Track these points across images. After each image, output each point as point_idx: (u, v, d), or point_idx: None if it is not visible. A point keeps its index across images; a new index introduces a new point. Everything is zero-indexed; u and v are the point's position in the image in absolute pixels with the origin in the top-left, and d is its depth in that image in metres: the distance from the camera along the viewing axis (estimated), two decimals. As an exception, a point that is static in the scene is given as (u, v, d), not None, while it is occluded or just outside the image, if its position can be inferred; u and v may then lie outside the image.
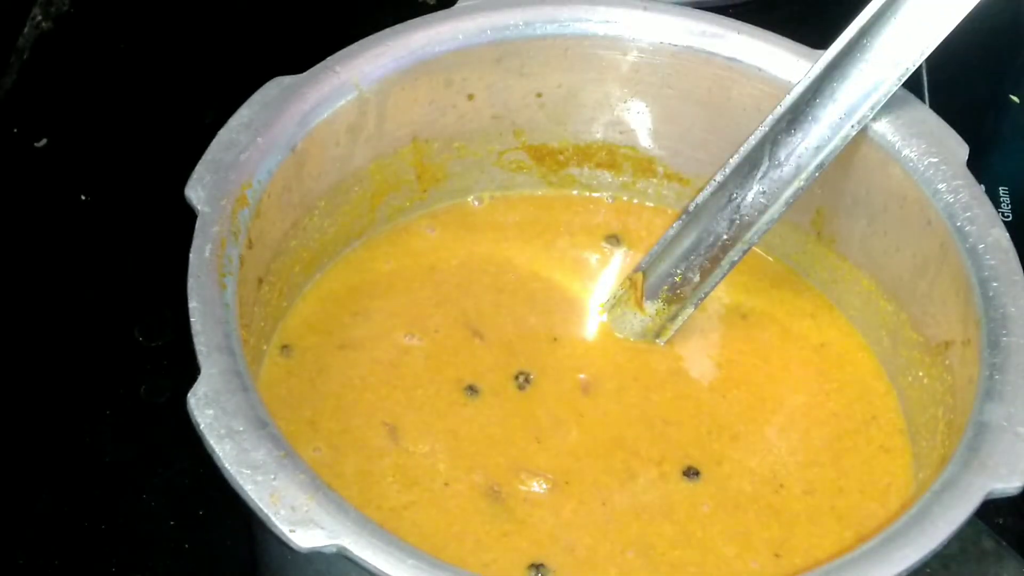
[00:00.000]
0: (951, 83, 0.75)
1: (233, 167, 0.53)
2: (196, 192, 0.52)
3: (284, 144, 0.55)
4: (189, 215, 0.51)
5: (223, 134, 0.54)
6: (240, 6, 0.84)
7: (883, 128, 0.57)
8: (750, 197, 0.58)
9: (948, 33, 0.54)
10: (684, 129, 0.63)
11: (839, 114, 0.56)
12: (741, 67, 0.60)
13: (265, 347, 0.57)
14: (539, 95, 0.62)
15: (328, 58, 0.57)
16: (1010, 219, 0.71)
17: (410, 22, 0.59)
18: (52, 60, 0.80)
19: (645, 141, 0.64)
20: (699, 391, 0.59)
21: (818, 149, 0.57)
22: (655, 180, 0.65)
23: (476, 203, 0.64)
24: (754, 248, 0.62)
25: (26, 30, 0.81)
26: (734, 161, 0.57)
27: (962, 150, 0.57)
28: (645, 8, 0.61)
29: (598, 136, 0.64)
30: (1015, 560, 0.52)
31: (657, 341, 0.60)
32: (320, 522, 0.44)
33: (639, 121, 0.63)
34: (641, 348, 0.60)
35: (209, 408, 0.46)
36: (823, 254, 0.62)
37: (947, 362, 0.55)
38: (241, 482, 0.44)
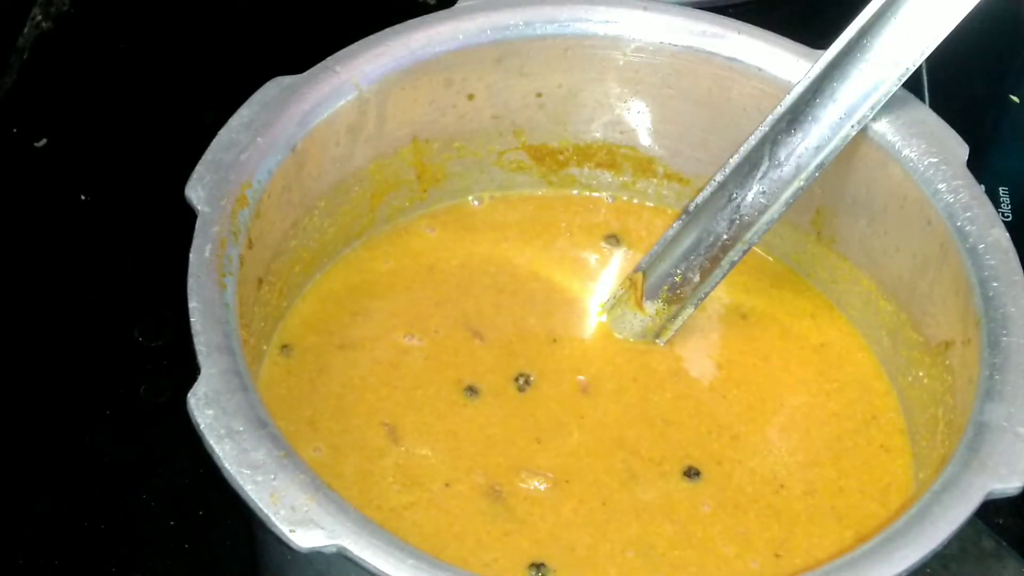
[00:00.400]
0: (951, 83, 0.75)
1: (233, 167, 0.53)
2: (196, 192, 0.52)
3: (284, 144, 0.55)
4: (189, 215, 0.51)
5: (223, 134, 0.54)
6: (240, 6, 0.84)
7: (883, 128, 0.57)
8: (750, 197, 0.58)
9: (948, 33, 0.54)
10: (684, 129, 0.63)
11: (839, 114, 0.56)
12: (741, 67, 0.60)
13: (265, 347, 0.57)
14: (539, 95, 0.62)
15: (328, 58, 0.57)
16: (1010, 219, 0.71)
17: (410, 22, 0.59)
18: (52, 60, 0.80)
19: (645, 141, 0.64)
20: (699, 391, 0.59)
21: (818, 149, 0.57)
22: (655, 180, 0.65)
23: (476, 203, 0.65)
24: (754, 248, 0.62)
25: (26, 30, 0.81)
26: (734, 161, 0.57)
27: (962, 150, 0.57)
28: (645, 8, 0.61)
29: (598, 136, 0.64)
30: (1015, 560, 0.52)
31: (657, 341, 0.60)
32: (320, 522, 0.44)
33: (639, 121, 0.63)
34: (641, 348, 0.60)
35: (209, 408, 0.46)
36: (823, 254, 0.62)
37: (947, 362, 0.55)
38: (241, 482, 0.44)
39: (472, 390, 0.58)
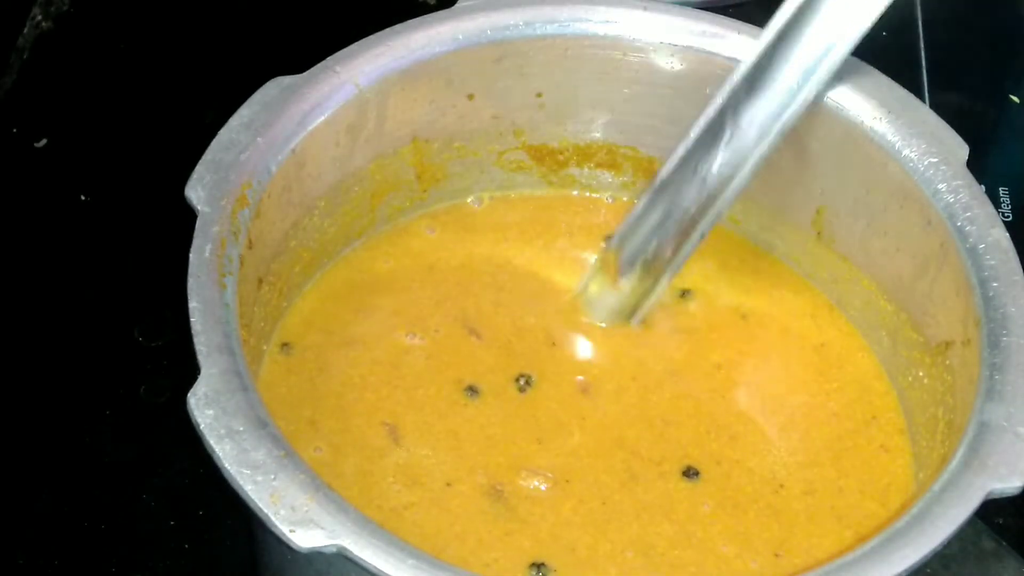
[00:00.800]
0: (951, 83, 0.75)
1: (233, 167, 0.53)
2: (196, 192, 0.52)
3: (284, 144, 0.55)
4: (189, 215, 0.51)
5: (223, 134, 0.54)
6: (240, 6, 0.84)
7: (883, 128, 0.57)
8: (715, 167, 0.57)
9: None
10: (684, 129, 0.63)
11: (796, 77, 0.56)
12: (741, 67, 0.60)
13: (265, 347, 0.57)
14: (539, 95, 0.62)
15: (328, 58, 0.57)
16: (1010, 219, 0.71)
17: (410, 22, 0.59)
18: (52, 60, 0.80)
19: (645, 141, 0.64)
20: (699, 391, 0.59)
21: (779, 114, 0.56)
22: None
23: (476, 203, 0.64)
24: (754, 248, 0.63)
25: (26, 30, 0.81)
26: (695, 132, 0.57)
27: (962, 150, 0.57)
28: (645, 8, 0.61)
29: (598, 136, 0.64)
30: (1015, 560, 0.52)
31: (631, 322, 0.60)
32: (320, 522, 0.44)
33: (639, 121, 0.63)
34: (641, 348, 0.60)
35: (209, 408, 0.46)
36: (823, 254, 0.62)
37: (947, 362, 0.55)
38: (241, 482, 0.44)
39: (473, 390, 0.58)
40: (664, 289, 0.59)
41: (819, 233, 0.62)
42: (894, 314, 0.59)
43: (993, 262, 0.53)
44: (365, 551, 0.43)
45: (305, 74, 0.57)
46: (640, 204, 0.59)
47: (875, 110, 0.58)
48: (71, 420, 0.65)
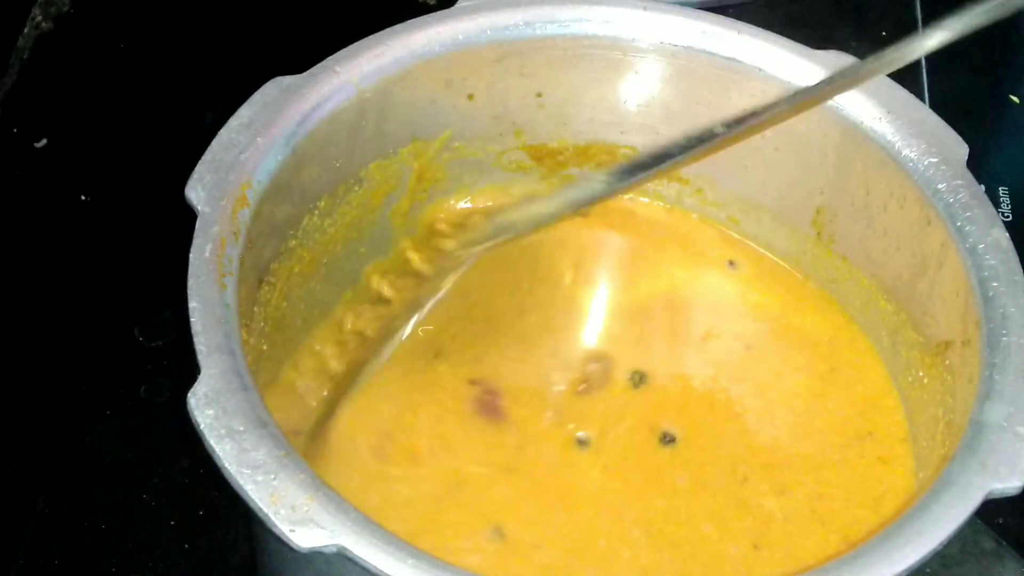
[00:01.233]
0: (951, 83, 0.75)
1: (233, 167, 0.53)
2: (196, 192, 0.52)
3: (284, 144, 0.55)
4: (189, 215, 0.51)
5: (223, 134, 0.54)
6: (240, 6, 0.84)
7: (883, 128, 0.57)
8: None
9: None
10: (684, 129, 0.63)
11: None
12: (741, 67, 0.60)
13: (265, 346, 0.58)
14: (539, 95, 0.62)
15: (328, 58, 0.57)
16: (1010, 219, 0.71)
17: (410, 22, 0.59)
18: (52, 60, 0.80)
19: (645, 141, 0.64)
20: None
21: None
22: (655, 180, 0.65)
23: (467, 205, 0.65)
24: (754, 247, 0.63)
25: (26, 30, 0.81)
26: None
27: (962, 150, 0.57)
28: (645, 8, 0.61)
29: (598, 136, 0.64)
30: (1015, 560, 0.52)
31: None
32: (320, 521, 0.44)
33: (639, 121, 0.63)
34: (640, 347, 0.60)
35: (209, 408, 0.46)
36: (823, 254, 0.62)
37: (947, 362, 0.55)
38: (241, 482, 0.44)
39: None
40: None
41: (819, 233, 0.62)
42: (894, 314, 0.59)
43: (993, 262, 0.53)
44: (365, 551, 0.43)
45: (305, 74, 0.57)
46: None
47: (875, 110, 0.58)
48: (71, 420, 0.65)
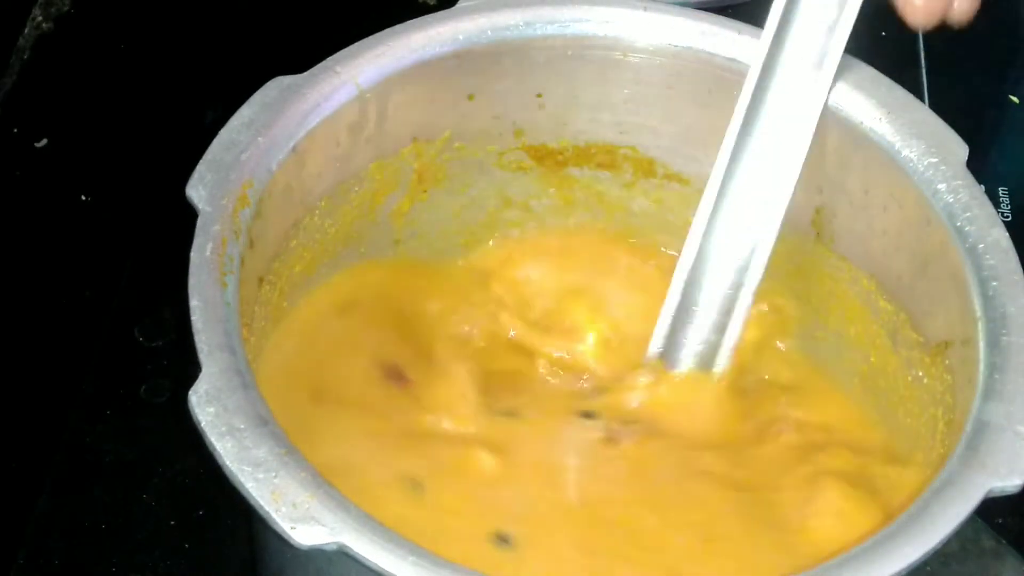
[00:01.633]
0: (951, 83, 0.75)
1: (234, 166, 0.53)
2: (197, 191, 0.52)
3: (285, 144, 0.55)
4: (189, 215, 0.51)
5: (224, 134, 0.54)
6: (240, 6, 0.84)
7: (883, 128, 0.58)
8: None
9: None
10: (684, 129, 0.63)
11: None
12: (741, 67, 0.60)
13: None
14: (539, 95, 0.62)
15: (328, 58, 0.57)
16: (1009, 219, 0.71)
17: (410, 22, 0.59)
18: (52, 60, 0.80)
19: (645, 141, 0.64)
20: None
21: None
22: (655, 180, 0.65)
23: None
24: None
25: (26, 30, 0.81)
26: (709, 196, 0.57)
27: (962, 150, 0.57)
28: (645, 8, 0.61)
29: (598, 136, 0.64)
30: (1014, 558, 0.52)
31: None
32: (321, 519, 0.44)
33: (639, 121, 0.63)
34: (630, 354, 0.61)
35: (210, 406, 0.46)
36: (823, 254, 0.62)
37: (947, 362, 0.55)
38: (242, 479, 0.44)
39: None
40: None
41: (819, 233, 0.62)
42: (894, 314, 0.59)
43: (992, 262, 0.53)
44: (366, 548, 0.43)
45: (305, 74, 0.57)
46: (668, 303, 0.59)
47: (875, 110, 0.58)
48: (71, 420, 0.65)
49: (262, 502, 0.44)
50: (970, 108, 0.76)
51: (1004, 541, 0.52)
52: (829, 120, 0.59)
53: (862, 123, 0.58)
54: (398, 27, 0.59)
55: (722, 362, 0.59)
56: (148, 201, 0.72)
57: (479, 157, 0.63)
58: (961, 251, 0.54)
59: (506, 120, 0.63)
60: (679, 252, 0.59)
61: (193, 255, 0.50)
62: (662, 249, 0.65)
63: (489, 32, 0.60)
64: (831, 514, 0.53)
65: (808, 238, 0.62)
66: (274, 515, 0.44)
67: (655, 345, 0.59)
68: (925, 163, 0.57)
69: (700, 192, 0.58)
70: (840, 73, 0.58)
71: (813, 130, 0.56)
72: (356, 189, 0.60)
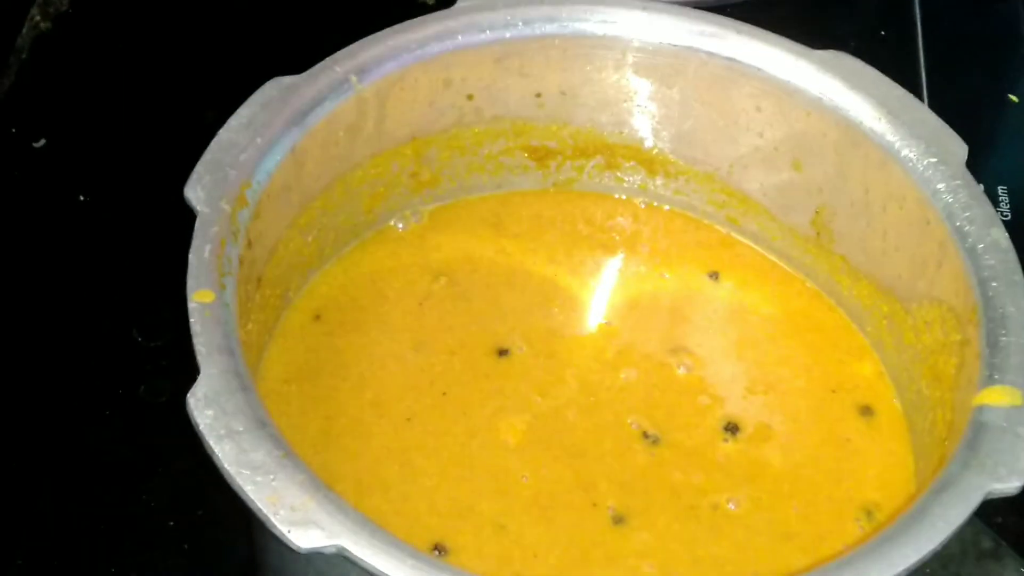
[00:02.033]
0: (951, 83, 0.75)
1: (233, 167, 0.53)
2: (195, 192, 0.52)
3: (283, 144, 0.55)
4: (189, 215, 0.51)
5: (223, 134, 0.54)
6: (240, 6, 0.84)
7: (883, 128, 0.58)
8: None
9: None
10: (684, 129, 0.63)
11: None
12: (740, 67, 0.60)
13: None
14: (538, 95, 0.62)
15: (328, 58, 0.57)
16: (1009, 219, 0.71)
17: (410, 22, 0.59)
18: (51, 60, 0.80)
19: (645, 141, 0.64)
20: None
21: None
22: (655, 180, 0.65)
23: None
24: (754, 248, 0.63)
25: (24, 30, 0.81)
26: None
27: (961, 150, 0.57)
28: (644, 8, 0.61)
29: (598, 136, 0.64)
30: (1014, 560, 0.52)
31: None
32: (319, 522, 0.44)
33: (639, 121, 0.63)
34: (640, 343, 0.61)
35: (209, 408, 0.46)
36: (823, 254, 0.62)
37: (946, 362, 0.55)
38: (240, 482, 0.45)
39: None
40: None
41: (818, 233, 0.62)
42: (893, 314, 0.59)
43: (992, 262, 0.53)
44: (364, 551, 0.43)
45: (305, 74, 0.57)
46: None
47: (874, 110, 0.58)
48: (71, 420, 0.65)
49: (260, 505, 0.44)
50: (969, 108, 0.76)
51: (1003, 542, 0.52)
52: (829, 120, 0.59)
53: (862, 123, 0.58)
54: (398, 27, 0.59)
55: None
56: (147, 201, 0.72)
57: (479, 157, 0.63)
58: (960, 251, 0.54)
59: (506, 120, 0.63)
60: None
61: (191, 256, 0.50)
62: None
63: (489, 32, 0.60)
64: None
65: (808, 238, 0.62)
66: (272, 518, 0.44)
67: None
68: (925, 163, 0.57)
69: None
70: (840, 73, 0.58)
71: None
72: (355, 189, 0.60)
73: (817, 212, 0.61)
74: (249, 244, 0.53)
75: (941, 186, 0.56)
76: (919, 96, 0.61)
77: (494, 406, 0.57)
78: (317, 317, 0.59)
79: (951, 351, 0.54)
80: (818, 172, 0.60)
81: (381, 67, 0.58)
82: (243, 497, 0.45)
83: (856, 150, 0.58)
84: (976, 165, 0.57)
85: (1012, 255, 0.54)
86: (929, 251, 0.56)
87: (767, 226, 0.63)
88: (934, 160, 0.56)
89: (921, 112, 0.58)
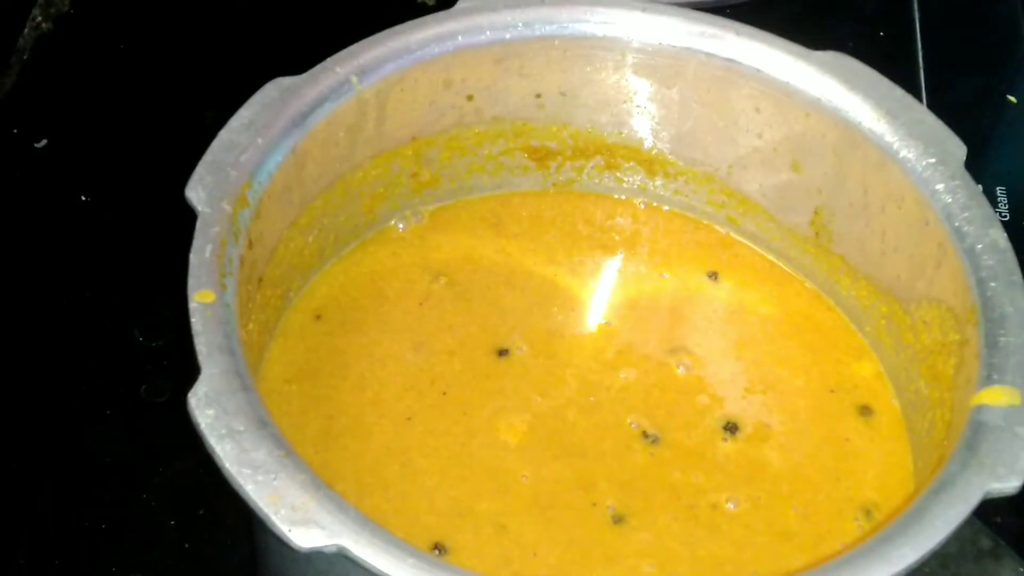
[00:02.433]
0: (950, 83, 0.75)
1: (233, 168, 0.53)
2: (196, 193, 0.52)
3: (284, 145, 0.55)
4: (189, 215, 0.52)
5: (223, 135, 0.54)
6: (240, 6, 0.84)
7: (882, 128, 0.58)
8: None
9: None
10: (684, 129, 0.63)
11: None
12: (740, 67, 0.60)
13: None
14: (538, 96, 0.62)
15: (328, 59, 0.58)
16: (1007, 219, 0.71)
17: (410, 23, 0.59)
18: (52, 61, 0.80)
19: (645, 142, 0.64)
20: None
21: None
22: (655, 180, 0.65)
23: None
24: (753, 248, 0.63)
25: (26, 31, 0.81)
26: None
27: (960, 150, 0.57)
28: (644, 9, 0.61)
29: (598, 137, 0.64)
30: (1013, 559, 0.52)
31: None
32: (320, 522, 0.44)
33: (639, 121, 0.63)
34: (642, 343, 0.61)
35: (209, 408, 0.46)
36: (822, 254, 0.62)
37: (945, 362, 0.55)
38: (241, 482, 0.45)
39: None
40: None
41: (817, 233, 0.62)
42: (892, 314, 0.59)
43: (991, 262, 0.53)
44: (365, 550, 0.43)
45: (305, 74, 0.57)
46: None
47: (873, 111, 0.58)
48: (71, 420, 0.65)
49: (261, 505, 0.44)
50: (968, 108, 0.76)
51: (1002, 542, 0.52)
52: (828, 121, 0.59)
53: (861, 123, 0.58)
54: (398, 27, 0.59)
55: None
56: (148, 201, 0.72)
57: (479, 157, 0.64)
58: (959, 251, 0.54)
59: (506, 120, 0.63)
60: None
61: (192, 257, 0.50)
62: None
63: (489, 32, 0.60)
64: None
65: (807, 238, 0.62)
66: (273, 517, 0.44)
67: None
68: (923, 163, 0.57)
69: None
70: (839, 74, 0.58)
71: None
72: (356, 189, 0.60)
73: (816, 212, 0.61)
74: (250, 244, 0.53)
75: (940, 187, 0.56)
76: (918, 97, 0.61)
77: (494, 406, 0.57)
78: (318, 317, 0.59)
79: (950, 351, 0.54)
80: (817, 173, 0.61)
81: (381, 68, 0.58)
82: (244, 497, 0.45)
83: (855, 151, 0.58)
84: (975, 166, 0.57)
85: (1011, 255, 0.54)
86: (928, 251, 0.56)
87: (766, 226, 0.63)
88: (933, 161, 0.56)
89: (920, 113, 0.58)
